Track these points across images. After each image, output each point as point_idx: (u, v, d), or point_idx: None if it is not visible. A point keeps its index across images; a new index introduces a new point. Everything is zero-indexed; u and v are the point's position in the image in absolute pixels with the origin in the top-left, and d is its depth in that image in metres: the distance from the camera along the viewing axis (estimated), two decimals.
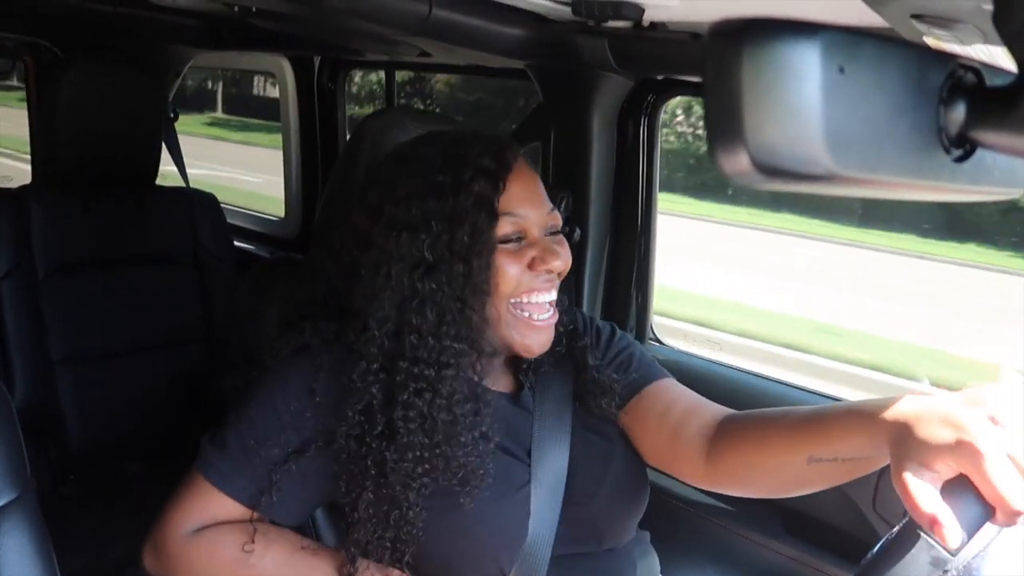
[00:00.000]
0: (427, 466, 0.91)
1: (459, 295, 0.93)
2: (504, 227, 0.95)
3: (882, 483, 1.21)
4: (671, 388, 1.07)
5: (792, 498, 1.38)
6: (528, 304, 0.97)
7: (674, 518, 1.44)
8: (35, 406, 1.90)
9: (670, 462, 1.03)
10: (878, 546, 0.67)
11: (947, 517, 0.62)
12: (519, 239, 0.96)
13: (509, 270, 0.95)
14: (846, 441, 0.81)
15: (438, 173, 0.94)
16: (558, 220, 1.00)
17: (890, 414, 0.74)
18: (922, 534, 0.64)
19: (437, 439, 0.91)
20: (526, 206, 0.96)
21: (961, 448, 0.64)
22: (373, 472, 0.91)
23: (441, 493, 0.91)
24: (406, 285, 0.93)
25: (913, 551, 0.64)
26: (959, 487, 0.65)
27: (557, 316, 1.00)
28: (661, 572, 1.29)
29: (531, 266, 0.96)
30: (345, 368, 0.94)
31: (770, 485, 0.95)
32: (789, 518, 1.38)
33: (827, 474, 0.86)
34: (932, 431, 0.67)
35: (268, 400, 0.96)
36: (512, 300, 0.96)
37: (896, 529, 0.66)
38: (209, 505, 0.96)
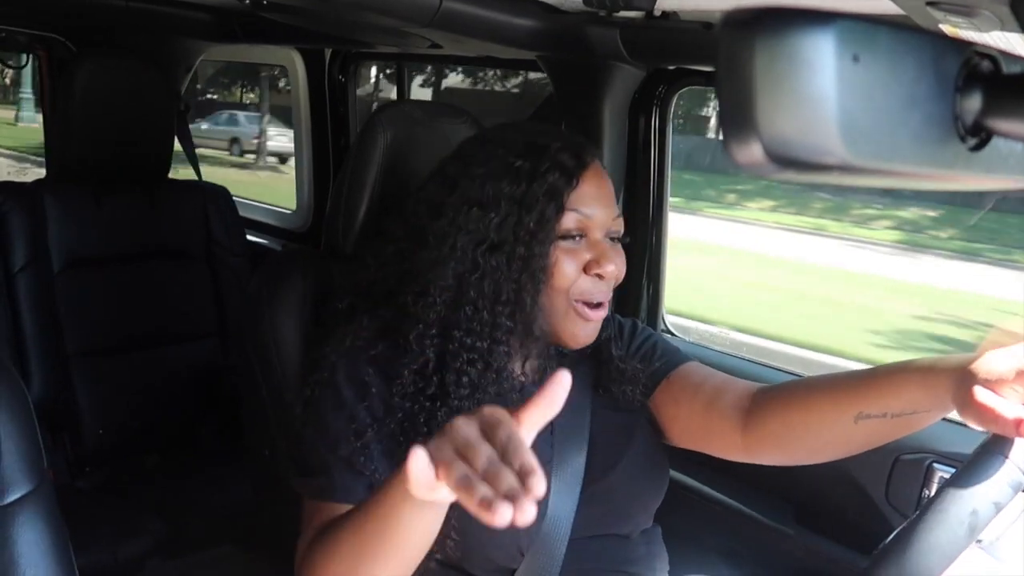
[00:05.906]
0: None
1: (516, 277, 0.96)
2: (568, 222, 0.98)
3: (895, 474, 1.21)
4: (699, 369, 1.10)
5: (804, 489, 1.38)
6: (582, 302, 1.00)
7: (683, 509, 1.44)
8: (51, 399, 1.92)
9: (704, 438, 1.06)
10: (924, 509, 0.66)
11: None
12: (579, 237, 0.99)
13: (566, 267, 0.98)
14: (899, 395, 0.84)
15: (517, 158, 0.98)
16: (621, 227, 1.03)
17: (949, 363, 0.78)
18: (1005, 458, 0.65)
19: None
20: (594, 205, 0.99)
21: None
22: (425, 431, 0.94)
23: None
24: (469, 258, 0.96)
25: (997, 474, 0.65)
26: None
27: (606, 311, 1.03)
28: (670, 564, 1.29)
29: (586, 269, 0.99)
30: (396, 352, 0.97)
31: (812, 447, 0.98)
32: (801, 509, 1.37)
33: (874, 432, 0.88)
34: (997, 364, 0.72)
35: (336, 406, 0.97)
36: (570, 298, 0.99)
37: (972, 455, 0.67)
38: (316, 520, 0.95)
